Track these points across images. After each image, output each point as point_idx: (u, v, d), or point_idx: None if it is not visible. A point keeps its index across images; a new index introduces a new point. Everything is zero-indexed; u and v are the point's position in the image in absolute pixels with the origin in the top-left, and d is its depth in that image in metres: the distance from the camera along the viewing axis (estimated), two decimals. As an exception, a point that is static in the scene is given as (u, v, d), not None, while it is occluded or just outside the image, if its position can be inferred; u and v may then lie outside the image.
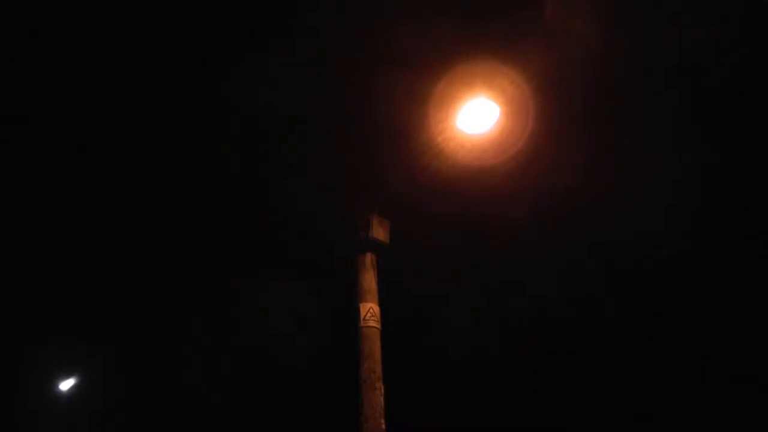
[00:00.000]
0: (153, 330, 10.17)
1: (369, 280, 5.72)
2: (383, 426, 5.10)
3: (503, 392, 10.11)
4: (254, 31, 6.18)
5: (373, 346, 5.38)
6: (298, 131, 6.65)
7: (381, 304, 5.65)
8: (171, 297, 9.70)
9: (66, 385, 10.76)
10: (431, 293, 8.79)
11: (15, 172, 7.59)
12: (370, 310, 5.53)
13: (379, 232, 5.92)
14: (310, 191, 6.88)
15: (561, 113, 6.42)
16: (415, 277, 7.82)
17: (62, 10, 6.08)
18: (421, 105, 5.84)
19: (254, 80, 6.28)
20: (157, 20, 6.15)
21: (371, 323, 5.48)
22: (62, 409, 10.80)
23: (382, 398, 5.19)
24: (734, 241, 8.48)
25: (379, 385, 5.21)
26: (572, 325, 9.49)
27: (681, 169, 7.47)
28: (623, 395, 9.93)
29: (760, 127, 7.22)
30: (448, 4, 5.81)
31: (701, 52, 6.39)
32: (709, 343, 9.37)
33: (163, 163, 7.53)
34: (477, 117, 5.69)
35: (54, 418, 10.83)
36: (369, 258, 5.82)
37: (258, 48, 6.16)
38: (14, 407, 10.67)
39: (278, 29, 6.10)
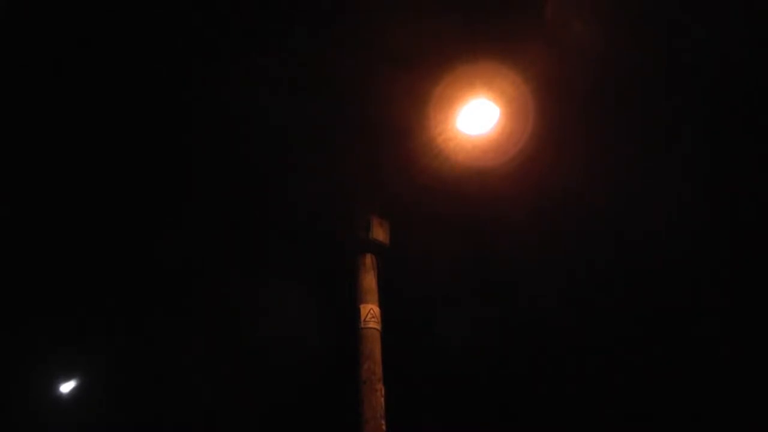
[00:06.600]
0: (153, 330, 10.16)
1: (369, 281, 5.71)
2: (384, 427, 5.09)
3: (504, 393, 10.11)
4: (253, 32, 6.16)
5: (374, 348, 5.38)
6: (297, 132, 6.64)
7: (381, 305, 5.65)
8: (171, 297, 9.69)
9: (66, 386, 10.75)
10: (431, 294, 8.79)
11: (13, 172, 7.58)
12: (370, 312, 5.52)
13: (379, 233, 5.92)
14: (309, 192, 6.87)
15: (561, 114, 6.41)
16: (416, 277, 7.82)
17: (59, 9, 6.07)
18: (421, 106, 5.83)
19: (253, 81, 6.27)
20: (156, 20, 6.14)
21: (371, 324, 5.47)
22: (62, 409, 10.79)
23: (382, 399, 5.18)
24: (735, 242, 8.48)
25: (380, 387, 5.21)
26: (573, 325, 9.48)
27: (682, 169, 7.47)
28: (623, 396, 9.93)
29: (760, 127, 7.22)
30: (448, 4, 5.80)
31: (701, 52, 6.39)
32: (710, 344, 9.36)
33: (163, 164, 7.52)
34: (477, 118, 5.69)
35: (54, 419, 10.82)
36: (369, 259, 5.82)
37: (257, 48, 6.15)
38: (14, 408, 10.66)
39: (277, 29, 6.09)
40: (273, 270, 8.47)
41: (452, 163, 5.98)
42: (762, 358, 9.18)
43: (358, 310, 5.54)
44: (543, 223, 7.89)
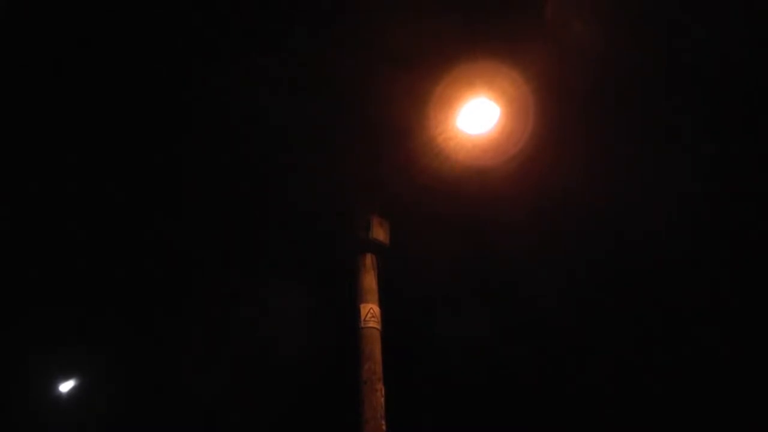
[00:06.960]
0: (153, 330, 10.16)
1: (369, 280, 5.71)
2: (384, 427, 5.08)
3: (504, 393, 10.11)
4: (253, 32, 6.17)
5: (374, 347, 5.37)
6: (297, 132, 6.64)
7: (381, 305, 5.64)
8: (171, 297, 9.69)
9: (66, 386, 10.75)
10: (432, 294, 8.79)
11: (13, 172, 7.58)
12: (370, 311, 5.52)
13: (379, 232, 5.92)
14: (310, 192, 6.87)
15: (561, 113, 6.42)
16: (416, 277, 7.82)
17: (59, 9, 6.08)
18: (421, 105, 5.84)
19: (253, 81, 6.27)
20: (156, 20, 6.14)
21: (371, 324, 5.46)
22: (62, 409, 10.79)
23: (382, 399, 5.17)
24: (735, 242, 8.48)
25: (380, 386, 5.20)
26: (573, 325, 9.48)
27: (682, 169, 7.47)
28: (624, 396, 9.92)
29: (760, 126, 7.22)
30: (448, 4, 5.81)
31: (701, 52, 6.39)
32: (710, 344, 9.36)
33: (163, 164, 7.52)
34: (477, 117, 5.69)
35: (54, 419, 10.82)
36: (369, 259, 5.82)
37: (257, 48, 6.15)
38: (14, 408, 10.66)
39: (277, 29, 6.09)
40: (273, 270, 8.47)
41: (452, 163, 5.98)
42: (762, 358, 9.18)
43: (358, 310, 5.54)
44: (543, 223, 7.89)
